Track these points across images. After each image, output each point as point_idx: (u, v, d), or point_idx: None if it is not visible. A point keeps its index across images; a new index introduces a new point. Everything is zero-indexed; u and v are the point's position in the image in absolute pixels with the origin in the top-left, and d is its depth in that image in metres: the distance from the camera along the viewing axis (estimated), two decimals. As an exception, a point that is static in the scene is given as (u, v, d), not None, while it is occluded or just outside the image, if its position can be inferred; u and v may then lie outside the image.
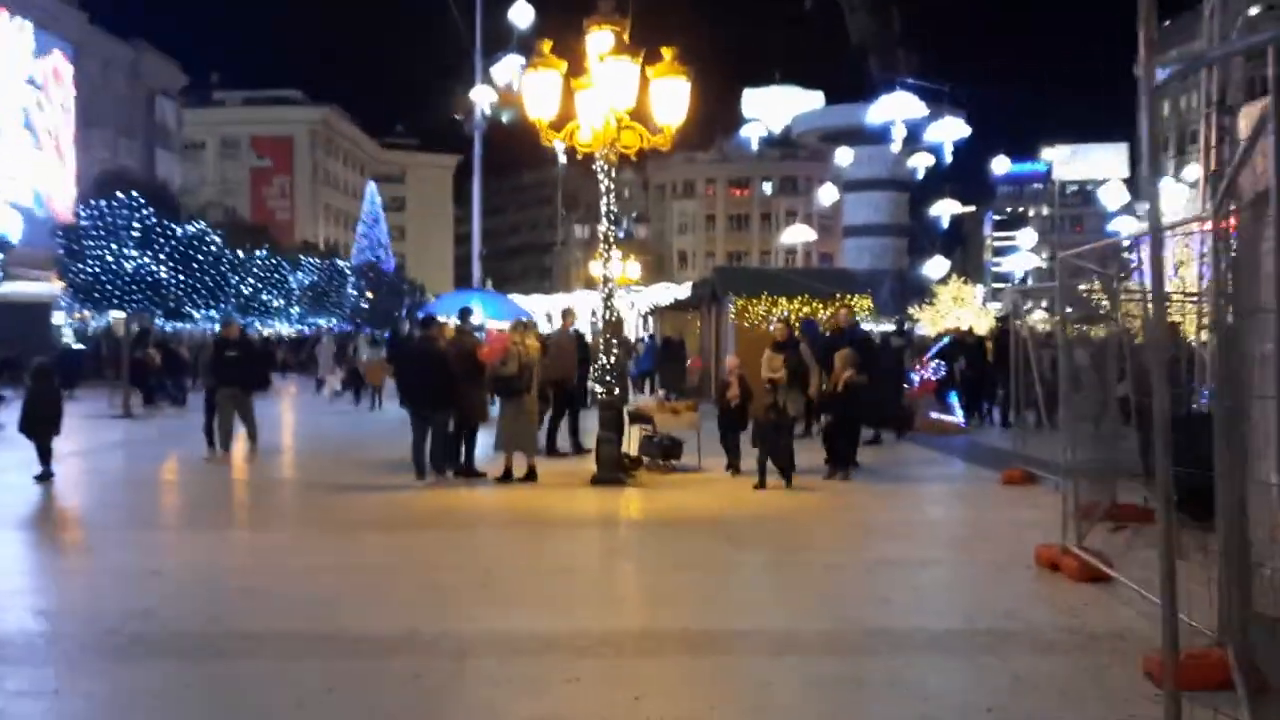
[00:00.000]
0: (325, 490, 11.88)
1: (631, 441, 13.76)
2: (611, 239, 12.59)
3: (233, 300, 25.40)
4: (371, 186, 77.76)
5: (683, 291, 41.43)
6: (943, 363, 20.68)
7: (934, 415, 19.26)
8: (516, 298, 63.08)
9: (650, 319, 38.24)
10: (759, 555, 8.51)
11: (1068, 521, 8.14)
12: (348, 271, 38.69)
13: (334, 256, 40.74)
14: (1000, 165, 47.18)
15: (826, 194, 47.61)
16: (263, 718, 4.91)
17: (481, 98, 37.23)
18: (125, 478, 13.62)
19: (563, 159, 65.34)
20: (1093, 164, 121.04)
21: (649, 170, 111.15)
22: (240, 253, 27.23)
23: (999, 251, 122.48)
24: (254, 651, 5.85)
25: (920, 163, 47.85)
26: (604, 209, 12.59)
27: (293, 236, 69.24)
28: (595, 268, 37.91)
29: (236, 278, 25.20)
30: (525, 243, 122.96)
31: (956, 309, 42.50)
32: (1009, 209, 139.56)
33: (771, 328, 15.97)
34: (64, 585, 7.65)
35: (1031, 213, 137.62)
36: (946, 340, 21.38)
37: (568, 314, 16.89)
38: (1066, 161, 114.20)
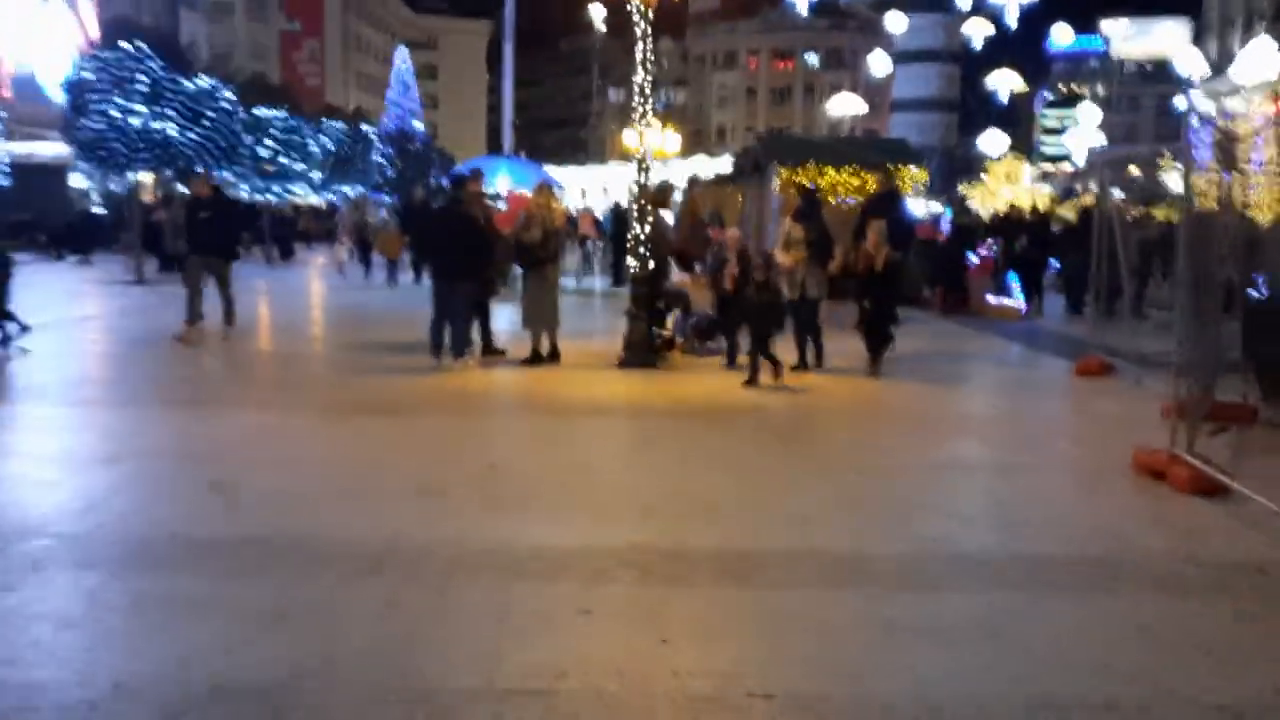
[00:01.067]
0: (324, 369, 10.87)
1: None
2: (647, 89, 11.20)
3: (248, 162, 24.03)
4: (402, 51, 75.26)
5: (722, 165, 39.72)
6: (996, 241, 19.23)
7: (991, 298, 17.89)
8: (550, 169, 61.30)
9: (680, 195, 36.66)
10: (809, 455, 7.35)
11: (1176, 424, 6.89)
12: (374, 138, 37.10)
13: (360, 121, 39.06)
14: (1062, 34, 44.33)
15: (878, 62, 45.11)
16: (185, 656, 3.84)
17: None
18: (108, 350, 12.64)
19: (600, 26, 62.76)
20: (1154, 39, 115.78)
21: (689, 39, 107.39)
22: (256, 112, 25.73)
23: (1051, 131, 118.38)
24: (198, 564, 4.79)
25: (978, 31, 45.13)
26: (639, 55, 11.16)
27: (322, 103, 67.44)
28: (630, 137, 36.22)
29: (251, 138, 23.77)
30: (560, 115, 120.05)
31: (1007, 187, 40.46)
32: (1061, 87, 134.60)
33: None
34: None
35: (1087, 92, 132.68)
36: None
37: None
38: (1126, 37, 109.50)
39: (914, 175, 20.04)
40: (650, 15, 11.14)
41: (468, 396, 9.29)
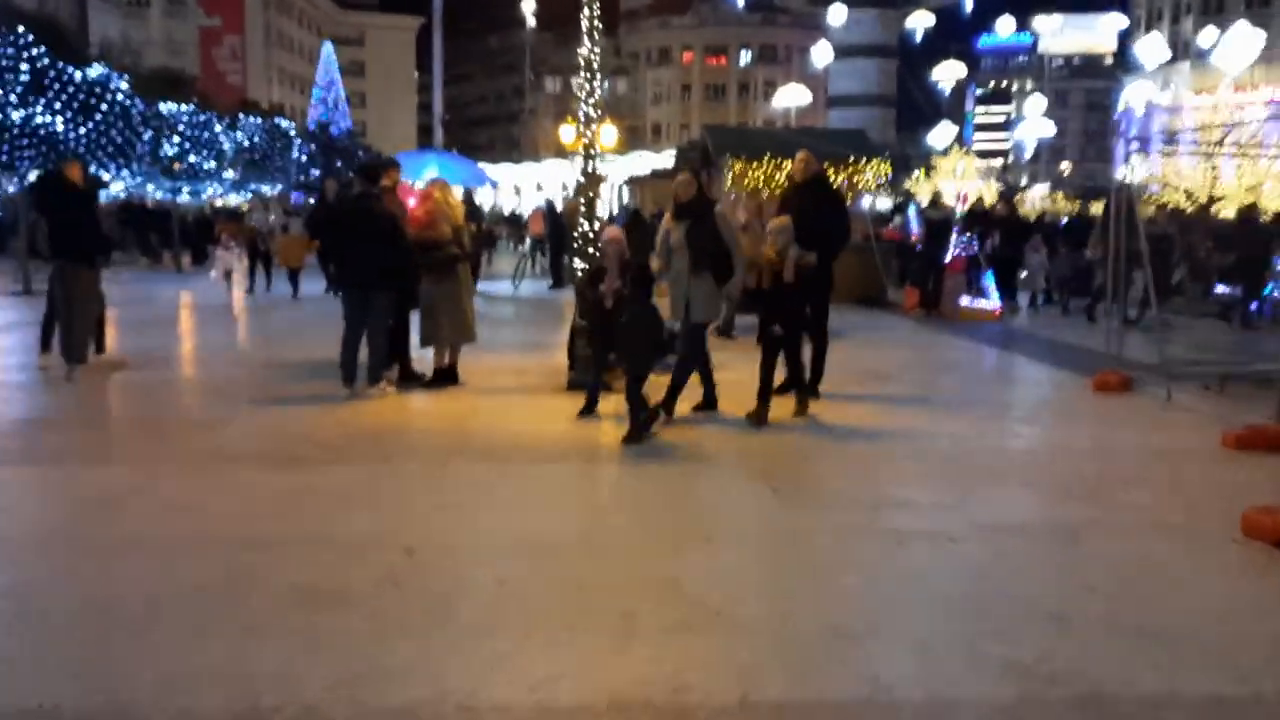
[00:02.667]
0: (209, 401, 8.98)
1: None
2: (594, 63, 9.54)
3: (146, 159, 21.81)
4: (328, 47, 72.71)
5: (663, 160, 38.15)
6: (972, 238, 17.84)
7: (965, 300, 16.49)
8: (483, 166, 59.29)
9: (626, 191, 35.01)
10: (821, 514, 5.70)
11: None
12: (292, 134, 34.87)
13: (277, 116, 36.79)
14: (1004, 27, 43.47)
15: (820, 54, 43.85)
16: None
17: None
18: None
19: (531, 20, 60.69)
20: (1085, 36, 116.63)
21: (621, 36, 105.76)
22: (161, 107, 23.50)
23: (984, 127, 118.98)
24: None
25: (920, 24, 44.28)
26: (585, 25, 9.51)
27: (242, 100, 64.57)
28: (566, 133, 34.43)
29: (150, 133, 21.57)
30: (492, 112, 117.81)
31: (958, 182, 39.42)
32: (992, 83, 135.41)
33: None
34: None
35: (1016, 86, 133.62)
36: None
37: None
38: (1057, 33, 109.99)
39: (876, 169, 18.62)
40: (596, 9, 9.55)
41: (384, 437, 7.50)
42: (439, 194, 9.36)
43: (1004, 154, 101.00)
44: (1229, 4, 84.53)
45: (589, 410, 8.06)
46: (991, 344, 13.28)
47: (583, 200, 9.67)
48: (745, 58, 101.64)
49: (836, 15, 43.53)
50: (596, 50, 9.59)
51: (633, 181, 34.00)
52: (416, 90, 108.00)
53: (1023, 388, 10.10)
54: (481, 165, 60.27)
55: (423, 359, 9.67)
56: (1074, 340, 13.74)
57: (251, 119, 32.19)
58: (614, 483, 6.47)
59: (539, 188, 52.73)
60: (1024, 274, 18.00)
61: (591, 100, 9.54)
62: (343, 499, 5.84)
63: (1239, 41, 30.49)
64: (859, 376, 10.18)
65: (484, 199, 48.32)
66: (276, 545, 4.98)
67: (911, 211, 20.43)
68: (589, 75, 9.57)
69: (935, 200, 18.30)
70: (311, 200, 24.99)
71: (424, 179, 21.87)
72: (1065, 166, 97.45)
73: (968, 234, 17.44)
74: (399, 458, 6.86)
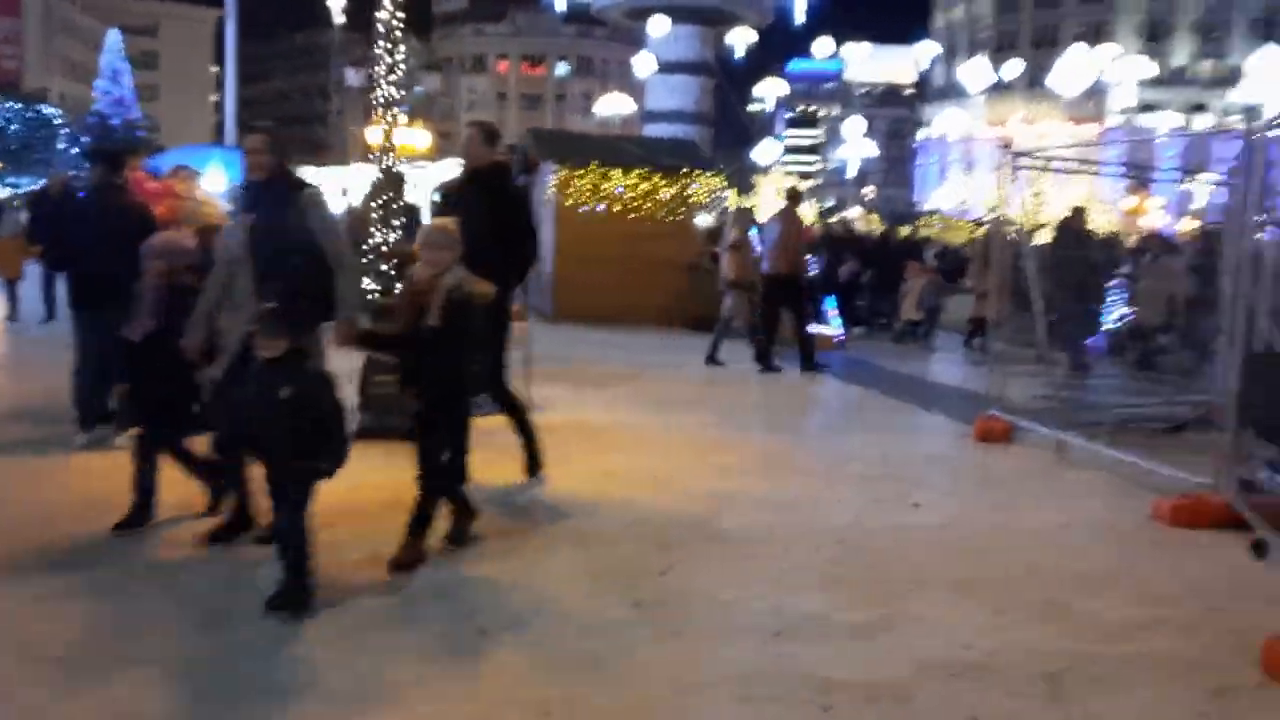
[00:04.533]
0: None
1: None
2: (396, 35, 7.69)
3: None
4: (114, 35, 66.98)
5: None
6: (815, 260, 16.78)
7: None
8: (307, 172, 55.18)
9: (439, 198, 32.84)
10: (706, 646, 4.07)
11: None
12: (57, 121, 31.15)
13: (38, 103, 32.87)
14: (822, 49, 43.59)
15: (641, 64, 42.82)
16: None
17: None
18: None
19: (340, 18, 57.85)
20: (889, 66, 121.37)
21: (435, 41, 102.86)
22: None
23: (794, 149, 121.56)
24: None
25: (740, 40, 43.85)
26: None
27: (20, 89, 58.63)
28: (373, 134, 32.06)
29: None
30: (297, 113, 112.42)
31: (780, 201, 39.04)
32: (801, 107, 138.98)
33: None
34: None
35: (823, 112, 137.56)
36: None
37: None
38: (864, 62, 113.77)
39: (710, 182, 17.33)
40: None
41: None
42: (181, 187, 7.27)
43: (814, 176, 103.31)
44: (1020, 41, 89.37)
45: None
46: (841, 377, 12.05)
47: (377, 205, 7.76)
48: (562, 69, 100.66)
49: (658, 26, 42.58)
50: (398, 47, 7.73)
51: (444, 187, 31.90)
52: (215, 86, 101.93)
53: (895, 436, 8.75)
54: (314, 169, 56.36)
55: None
56: (922, 373, 12.74)
57: (9, 104, 28.46)
58: (413, 601, 4.64)
59: (344, 192, 49.68)
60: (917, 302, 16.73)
61: (390, 80, 7.66)
62: (27, 650, 3.81)
63: (1074, 67, 31.05)
64: (703, 419, 8.69)
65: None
66: None
67: (752, 231, 19.27)
68: (388, 52, 7.69)
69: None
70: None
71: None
72: (869, 190, 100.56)
73: (810, 255, 16.35)
74: (140, 554, 4.82)
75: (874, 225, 40.30)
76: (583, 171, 16.65)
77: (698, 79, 66.15)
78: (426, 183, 44.45)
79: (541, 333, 15.46)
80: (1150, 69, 44.43)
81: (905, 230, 24.15)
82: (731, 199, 43.47)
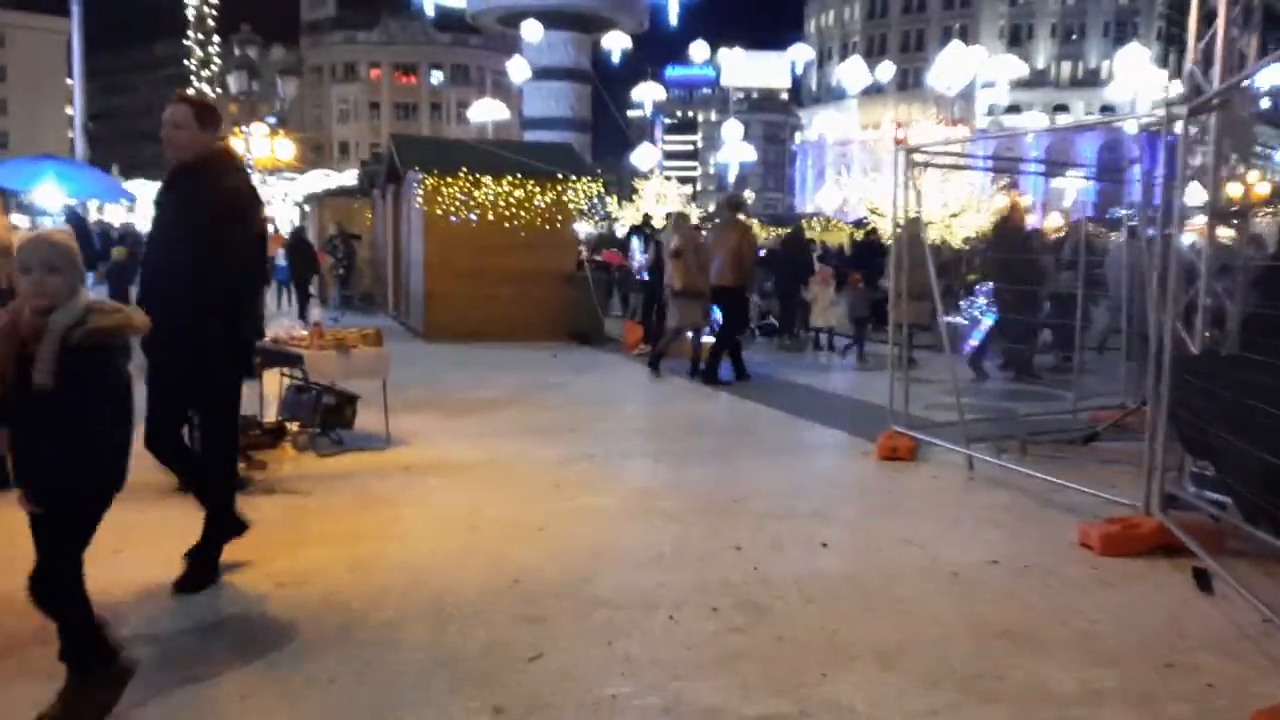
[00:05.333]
0: None
1: (271, 398, 8.10)
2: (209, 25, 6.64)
3: None
4: (-49, 44, 62.99)
5: (346, 178, 34.83)
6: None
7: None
8: (141, 183, 53.10)
9: (309, 209, 31.33)
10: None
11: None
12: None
13: None
14: (699, 53, 43.23)
15: (516, 69, 41.82)
16: None
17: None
18: None
19: (202, 31, 55.29)
20: (764, 72, 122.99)
21: (304, 49, 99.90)
22: None
23: (673, 155, 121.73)
24: None
25: (616, 45, 43.23)
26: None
27: None
28: (235, 146, 30.49)
29: None
30: (160, 125, 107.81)
31: (662, 206, 38.48)
32: (679, 113, 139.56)
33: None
34: None
35: (700, 118, 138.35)
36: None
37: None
38: (739, 66, 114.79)
39: (588, 188, 16.53)
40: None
41: None
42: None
43: (694, 181, 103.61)
44: (889, 46, 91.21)
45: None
46: (734, 392, 11.37)
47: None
48: (437, 77, 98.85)
49: (531, 31, 41.65)
50: (211, 39, 6.68)
51: (311, 200, 30.41)
52: (71, 99, 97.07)
53: (794, 460, 8.05)
54: (141, 183, 54.04)
55: None
56: (818, 384, 12.16)
57: None
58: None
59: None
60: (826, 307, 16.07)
61: (205, 76, 6.60)
62: None
63: (952, 64, 31.18)
64: (585, 448, 7.88)
65: (119, 216, 42.94)
66: None
67: (634, 241, 18.61)
68: (200, 44, 6.62)
69: (647, 221, 16.45)
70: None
71: (35, 190, 17.70)
72: (749, 194, 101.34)
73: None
74: None
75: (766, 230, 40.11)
76: (451, 179, 15.67)
77: (575, 85, 65.49)
78: (296, 192, 42.65)
79: (411, 353, 14.48)
80: (1021, 68, 45.39)
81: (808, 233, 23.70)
82: (612, 204, 42.96)
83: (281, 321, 8.22)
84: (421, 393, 10.67)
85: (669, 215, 14.81)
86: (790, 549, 5.49)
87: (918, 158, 7.83)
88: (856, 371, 13.73)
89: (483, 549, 5.39)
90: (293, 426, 7.83)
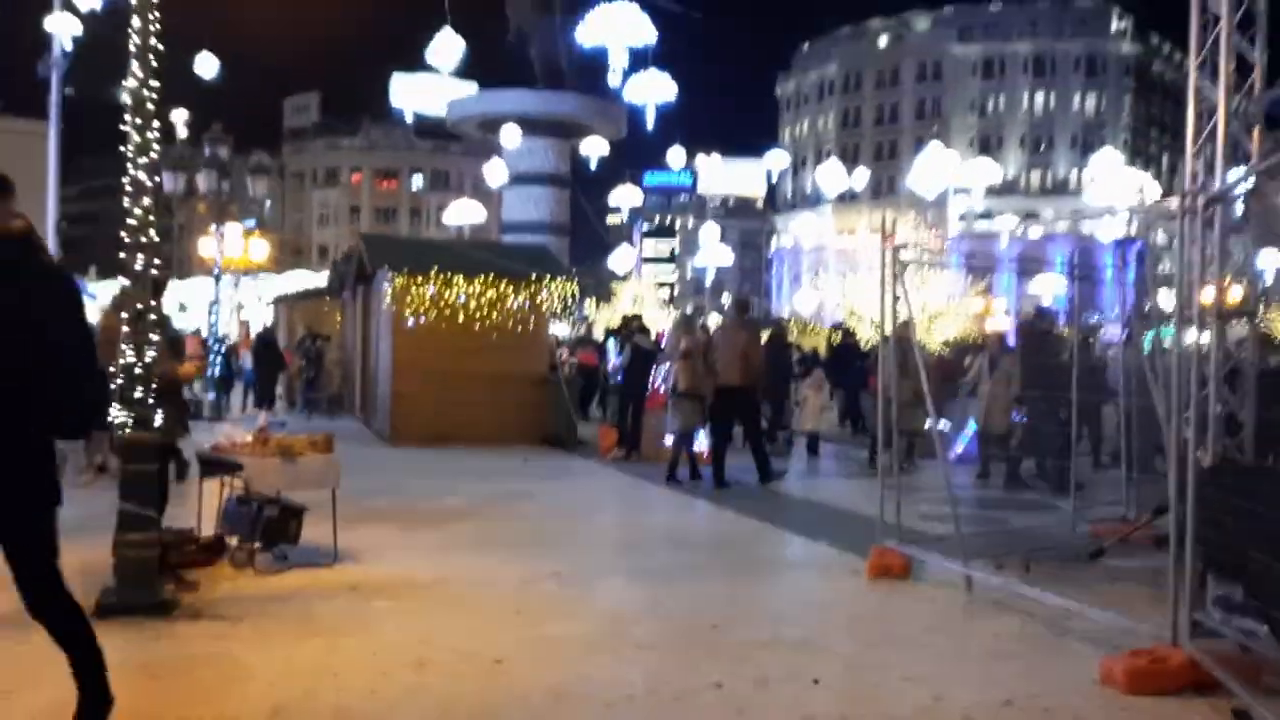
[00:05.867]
0: None
1: (208, 509, 7.44)
2: (148, 109, 6.17)
3: None
4: (-70, 147, 62.97)
5: (320, 279, 34.51)
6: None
7: (669, 439, 14.06)
8: (112, 285, 52.22)
9: (279, 311, 30.88)
10: None
11: None
12: None
13: None
14: (676, 159, 43.62)
15: (494, 173, 41.95)
16: None
17: (61, 27, 28.34)
18: None
19: (182, 130, 55.99)
20: (739, 179, 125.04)
21: (285, 155, 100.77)
22: None
23: (652, 260, 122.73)
24: None
25: (594, 151, 43.60)
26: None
27: None
28: (207, 246, 30.25)
29: None
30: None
31: (638, 309, 38.29)
32: (657, 218, 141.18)
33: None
34: None
35: (679, 223, 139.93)
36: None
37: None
38: (716, 173, 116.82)
39: (562, 288, 16.12)
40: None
41: None
42: None
43: (672, 286, 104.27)
44: (862, 154, 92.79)
45: None
46: (713, 501, 10.75)
47: (127, 314, 6.11)
48: (417, 182, 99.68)
49: (510, 137, 41.90)
50: (151, 124, 6.19)
51: (279, 301, 30.00)
52: (59, 203, 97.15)
53: (778, 579, 7.42)
54: (117, 282, 53.02)
55: None
56: (800, 491, 11.57)
57: None
58: None
59: (181, 308, 47.22)
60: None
61: (142, 163, 6.10)
62: None
63: (930, 168, 31.35)
64: (553, 565, 7.25)
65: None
66: None
67: (610, 343, 18.18)
68: (138, 129, 6.13)
69: (642, 326, 16.04)
70: None
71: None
72: (726, 299, 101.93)
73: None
74: None
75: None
76: (422, 278, 15.23)
77: (554, 190, 66.13)
78: (269, 293, 42.05)
79: (374, 459, 13.84)
80: (996, 172, 45.99)
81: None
82: (590, 308, 42.76)
83: (223, 427, 7.60)
84: (381, 502, 10.03)
85: (629, 319, 14.53)
86: (777, 687, 4.86)
87: (906, 256, 7.41)
88: (840, 479, 13.16)
89: (430, 689, 4.73)
90: (232, 541, 7.17)
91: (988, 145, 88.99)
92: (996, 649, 5.56)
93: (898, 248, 7.33)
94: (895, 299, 7.19)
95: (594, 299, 45.98)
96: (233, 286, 46.18)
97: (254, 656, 5.12)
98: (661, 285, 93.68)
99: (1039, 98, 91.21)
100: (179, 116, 60.42)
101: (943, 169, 30.79)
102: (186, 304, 55.86)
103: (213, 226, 20.46)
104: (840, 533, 8.77)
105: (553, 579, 6.98)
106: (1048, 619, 6.05)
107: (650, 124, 31.48)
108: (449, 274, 15.31)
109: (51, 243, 35.20)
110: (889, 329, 7.69)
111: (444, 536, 8.48)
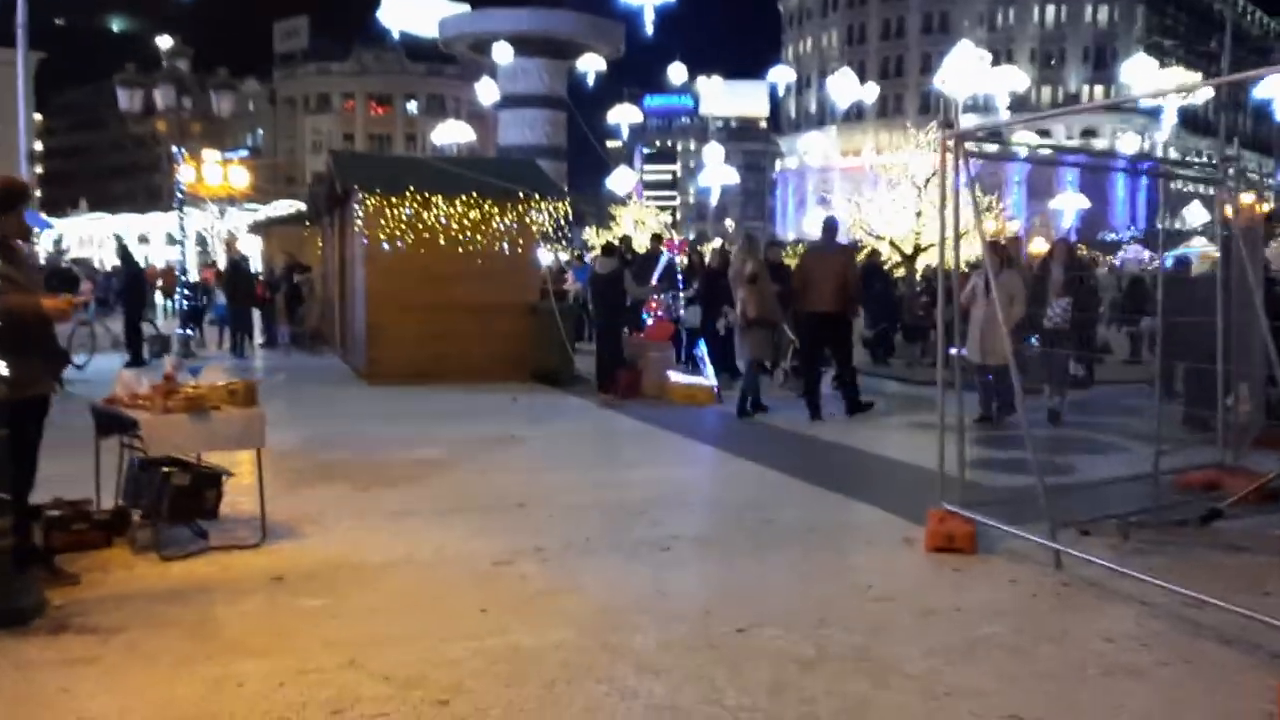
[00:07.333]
0: None
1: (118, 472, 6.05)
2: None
3: None
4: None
5: (297, 205, 32.96)
6: (679, 296, 14.21)
7: (674, 376, 12.66)
8: (101, 217, 50.91)
9: (260, 240, 29.30)
10: None
11: None
12: None
13: None
14: (676, 74, 41.46)
15: (485, 92, 39.96)
16: None
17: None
18: None
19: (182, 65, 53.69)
20: (742, 100, 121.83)
21: (276, 81, 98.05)
22: None
23: (652, 185, 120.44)
24: None
25: (591, 68, 41.53)
26: None
27: None
28: (186, 173, 28.68)
29: None
30: (131, 161, 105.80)
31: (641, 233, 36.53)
32: (658, 143, 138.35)
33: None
34: None
35: (680, 146, 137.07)
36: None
37: None
38: (718, 95, 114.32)
39: (553, 208, 14.55)
40: None
41: None
42: None
43: (674, 210, 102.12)
44: (868, 72, 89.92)
45: None
46: (731, 449, 9.31)
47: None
48: (412, 107, 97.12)
49: (502, 54, 39.88)
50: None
51: (257, 228, 28.42)
52: (36, 134, 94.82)
53: (818, 550, 5.97)
54: (99, 215, 51.88)
55: None
56: (827, 434, 10.10)
57: None
58: None
59: (144, 239, 46.02)
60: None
61: None
62: None
63: (964, 66, 29.47)
64: (534, 537, 5.85)
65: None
66: None
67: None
68: None
69: (626, 242, 14.52)
70: None
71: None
72: (730, 223, 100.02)
73: (670, 292, 13.80)
74: None
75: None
76: (397, 199, 13.67)
77: (550, 112, 63.97)
78: (247, 220, 40.33)
79: (344, 401, 12.43)
80: (1023, 79, 43.90)
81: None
82: (589, 232, 41.08)
83: (123, 373, 6.15)
84: (342, 453, 8.66)
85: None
86: (841, 668, 3.47)
87: (970, 146, 5.87)
88: (876, 421, 11.67)
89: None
90: (136, 516, 5.78)
91: (997, 60, 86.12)
92: (1123, 663, 4.14)
93: (961, 134, 5.79)
94: (966, 205, 5.67)
95: (594, 226, 44.27)
96: (218, 217, 44.58)
97: (109, 697, 3.74)
98: (663, 211, 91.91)
99: (1050, 10, 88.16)
100: (164, 43, 58.07)
101: (974, 71, 28.93)
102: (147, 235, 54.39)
103: (173, 146, 18.77)
104: (885, 490, 7.37)
105: (531, 557, 5.59)
106: (1173, 612, 4.66)
107: (649, 27, 29.45)
108: (426, 194, 13.75)
109: (23, 171, 33.48)
110: (950, 245, 6.18)
111: (407, 498, 7.09)
